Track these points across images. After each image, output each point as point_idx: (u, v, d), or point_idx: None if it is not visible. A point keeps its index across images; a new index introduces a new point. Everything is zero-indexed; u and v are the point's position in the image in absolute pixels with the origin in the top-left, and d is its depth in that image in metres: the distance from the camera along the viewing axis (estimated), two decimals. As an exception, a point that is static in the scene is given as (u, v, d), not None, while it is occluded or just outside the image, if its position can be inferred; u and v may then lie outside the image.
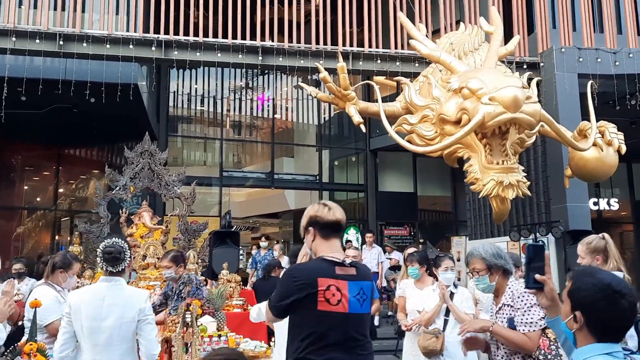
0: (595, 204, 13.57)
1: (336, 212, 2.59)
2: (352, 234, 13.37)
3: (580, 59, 8.95)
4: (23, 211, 13.59)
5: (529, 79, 6.55)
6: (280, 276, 2.71)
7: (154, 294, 5.51)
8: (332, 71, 7.63)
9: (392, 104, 7.54)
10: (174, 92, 14.82)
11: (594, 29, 9.48)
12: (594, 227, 8.75)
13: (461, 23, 8.40)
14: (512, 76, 5.95)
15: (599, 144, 6.78)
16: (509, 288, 3.05)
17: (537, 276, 2.01)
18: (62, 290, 4.14)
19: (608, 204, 13.79)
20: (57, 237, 13.77)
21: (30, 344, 3.29)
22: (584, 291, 1.74)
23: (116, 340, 2.89)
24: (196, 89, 15.40)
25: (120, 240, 3.05)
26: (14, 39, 7.96)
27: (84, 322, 2.86)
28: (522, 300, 2.95)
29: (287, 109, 16.49)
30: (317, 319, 2.38)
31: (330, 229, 2.57)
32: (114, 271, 2.97)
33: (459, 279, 8.86)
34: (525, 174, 5.93)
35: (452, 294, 4.52)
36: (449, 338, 4.30)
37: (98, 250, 3.02)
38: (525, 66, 9.11)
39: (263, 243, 9.68)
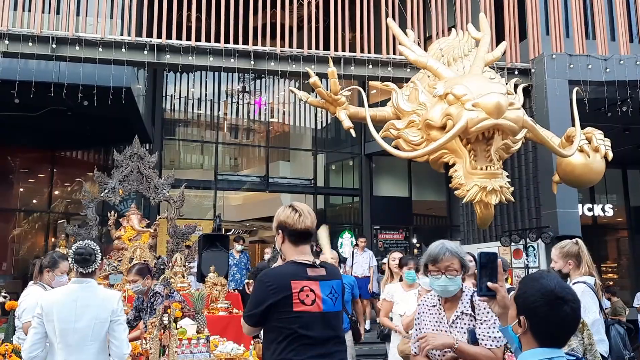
0: (590, 209, 13.58)
1: (306, 220, 2.60)
2: (346, 238, 13.41)
3: (571, 66, 8.98)
4: (19, 213, 13.64)
5: (516, 85, 6.61)
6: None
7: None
8: (324, 76, 7.67)
9: (383, 109, 7.58)
10: (171, 95, 14.88)
11: (586, 35, 9.52)
12: (589, 233, 8.80)
13: (453, 29, 8.47)
14: (497, 82, 6.02)
15: (586, 150, 6.83)
16: (466, 294, 2.80)
17: (490, 284, 2.04)
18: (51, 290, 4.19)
19: (603, 210, 13.79)
20: (52, 239, 13.81)
21: (6, 345, 3.33)
22: (528, 296, 1.77)
23: (89, 341, 2.94)
24: (192, 92, 15.45)
25: (92, 242, 3.09)
26: (6, 42, 8.02)
27: (56, 324, 2.90)
28: (488, 312, 2.68)
29: (283, 112, 16.54)
30: (294, 320, 2.43)
31: (298, 237, 2.59)
32: (84, 272, 3.01)
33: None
34: (509, 180, 5.98)
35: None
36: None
37: (70, 251, 3.06)
38: (516, 72, 9.14)
39: (238, 246, 9.60)
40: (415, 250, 13.92)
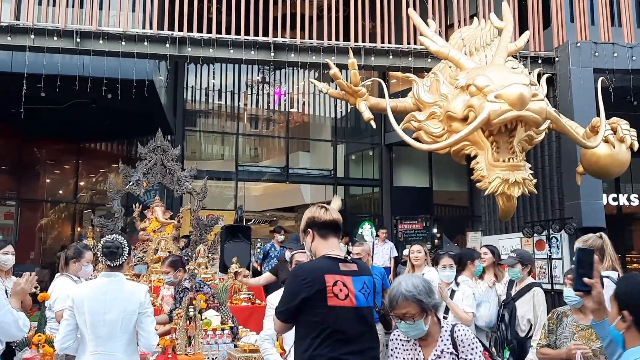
0: (615, 199, 13.36)
1: (333, 213, 2.70)
2: (366, 229, 13.39)
3: (597, 54, 8.81)
4: (46, 204, 13.95)
5: (540, 75, 6.51)
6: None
7: (164, 288, 5.64)
8: (345, 67, 7.65)
9: (404, 100, 7.54)
10: (191, 87, 14.99)
11: (611, 22, 9.32)
12: (614, 223, 8.68)
13: (474, 18, 8.35)
14: (520, 73, 5.93)
15: (611, 141, 6.71)
16: (445, 330, 2.52)
17: (586, 279, 2.08)
18: (78, 280, 4.31)
19: (628, 199, 13.55)
20: (78, 229, 14.11)
21: (39, 335, 3.45)
22: (630, 292, 1.84)
23: (118, 332, 3.03)
24: (213, 83, 15.54)
25: (119, 236, 3.17)
26: (32, 36, 8.16)
27: (86, 316, 3.00)
28: (472, 349, 2.46)
29: (302, 103, 16.54)
30: (327, 315, 2.45)
31: (328, 229, 2.67)
32: (112, 265, 3.10)
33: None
34: (532, 172, 5.91)
35: (453, 292, 4.55)
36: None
37: (99, 245, 3.15)
38: (540, 61, 9.00)
39: (280, 237, 9.53)
40: (436, 241, 13.88)
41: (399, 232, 13.49)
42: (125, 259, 3.13)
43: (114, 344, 3.00)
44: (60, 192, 14.40)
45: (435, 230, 14.40)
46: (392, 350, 2.61)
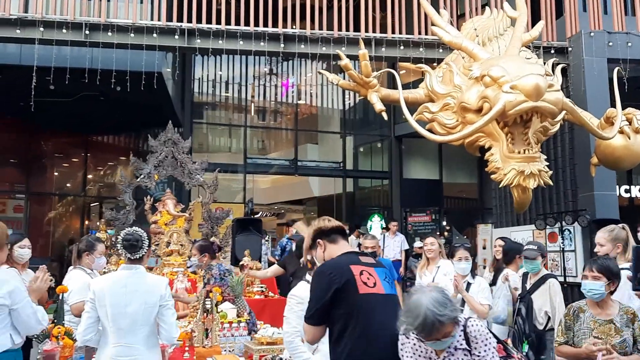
0: (627, 191, 13.25)
1: (336, 222, 2.80)
2: (375, 221, 13.37)
3: (610, 44, 8.69)
4: (54, 197, 13.98)
5: (555, 65, 6.43)
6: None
7: (177, 281, 5.64)
8: (355, 57, 7.58)
9: (415, 90, 7.48)
10: (199, 78, 14.94)
11: (625, 11, 9.19)
12: (626, 215, 8.58)
13: (486, 7, 8.25)
14: (535, 64, 5.86)
15: (627, 132, 6.63)
16: (458, 325, 2.38)
17: None
18: (92, 272, 4.32)
19: (640, 191, 13.44)
20: (86, 222, 14.14)
21: (59, 327, 3.45)
22: None
23: (139, 325, 3.03)
24: (220, 75, 15.48)
25: (139, 229, 3.16)
26: (42, 29, 8.12)
27: (108, 309, 3.00)
28: (486, 344, 2.37)
29: (311, 95, 16.47)
30: (360, 303, 2.45)
31: (336, 233, 2.73)
32: (132, 258, 3.09)
33: (484, 267, 8.82)
34: (547, 164, 5.85)
35: (468, 285, 4.51)
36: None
37: (119, 237, 3.14)
38: (552, 51, 8.88)
39: (294, 230, 9.41)
40: (445, 233, 13.82)
41: (408, 224, 13.45)
42: (145, 252, 3.12)
43: (135, 336, 2.99)
44: (69, 185, 14.44)
45: (444, 223, 14.36)
46: (402, 346, 2.45)
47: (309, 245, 2.72)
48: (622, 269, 3.71)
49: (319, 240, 2.69)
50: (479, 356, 2.33)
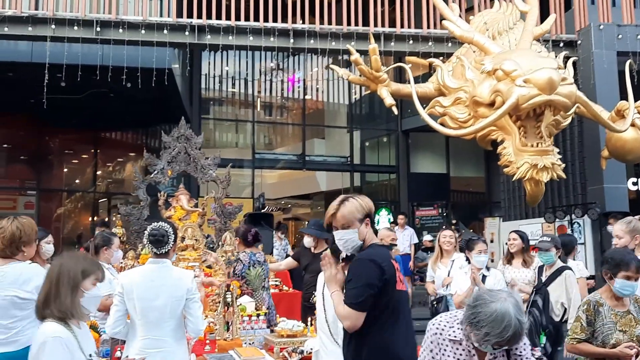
0: (635, 184, 13.23)
1: None
2: (383, 215, 13.41)
3: (620, 36, 8.70)
4: (63, 193, 14.07)
5: (566, 59, 6.45)
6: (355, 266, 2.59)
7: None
8: (364, 52, 7.62)
9: (425, 85, 7.51)
10: (205, 74, 14.97)
11: (634, 4, 9.19)
12: (634, 207, 8.61)
13: (495, 1, 8.27)
14: (547, 57, 5.89)
15: (638, 124, 6.66)
16: None
17: None
18: (109, 268, 4.37)
19: (647, 184, 13.42)
20: (95, 218, 14.23)
21: (83, 321, 3.51)
22: None
23: (167, 318, 3.07)
24: (227, 70, 15.50)
25: (165, 223, 3.21)
26: (53, 26, 8.18)
27: (136, 302, 3.05)
28: (524, 343, 2.25)
29: (317, 89, 16.48)
30: (396, 299, 2.53)
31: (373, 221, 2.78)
32: (159, 253, 3.14)
33: (492, 260, 8.86)
34: (560, 156, 5.89)
35: (484, 277, 4.56)
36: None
37: (145, 232, 3.19)
38: (561, 44, 8.90)
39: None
40: (453, 227, 13.85)
41: (415, 218, 13.49)
42: (171, 247, 3.17)
43: (162, 329, 3.05)
44: (78, 181, 14.53)
45: (453, 220, 14.36)
46: (439, 348, 2.26)
47: (358, 218, 2.58)
48: None
49: (368, 218, 2.65)
50: (520, 355, 2.23)
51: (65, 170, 14.21)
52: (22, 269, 3.05)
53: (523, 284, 4.85)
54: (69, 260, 2.42)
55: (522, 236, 5.35)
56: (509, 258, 5.20)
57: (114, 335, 3.16)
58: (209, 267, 6.22)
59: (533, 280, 5.02)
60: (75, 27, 8.22)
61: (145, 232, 3.16)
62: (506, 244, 5.44)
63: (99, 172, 14.20)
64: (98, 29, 8.31)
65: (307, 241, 5.71)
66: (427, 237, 10.72)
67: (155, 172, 6.79)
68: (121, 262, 5.70)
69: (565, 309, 4.45)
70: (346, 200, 2.67)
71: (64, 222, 14.10)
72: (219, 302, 4.15)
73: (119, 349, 3.51)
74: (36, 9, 8.45)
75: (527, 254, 5.24)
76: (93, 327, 3.50)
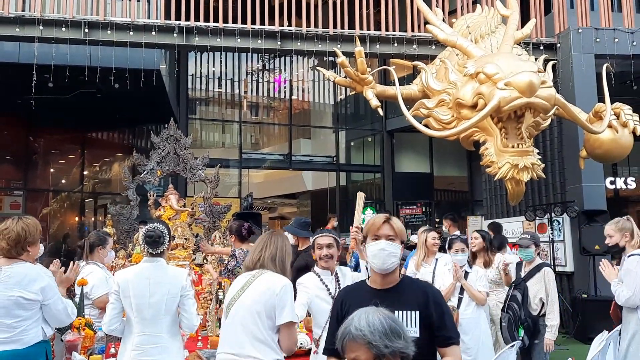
0: (612, 182, 13.58)
1: None
2: (368, 215, 13.59)
3: (598, 40, 8.95)
4: (49, 193, 14.02)
5: (545, 62, 6.65)
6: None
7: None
8: (350, 54, 7.77)
9: (409, 87, 7.68)
10: (192, 74, 15.02)
11: (612, 8, 9.45)
12: (611, 206, 8.88)
13: (478, 5, 8.46)
14: (528, 61, 6.07)
15: (614, 126, 6.88)
16: None
17: None
18: (103, 267, 4.42)
19: (625, 182, 13.77)
20: (82, 218, 14.21)
21: (79, 319, 3.60)
22: None
23: (162, 314, 3.17)
24: (214, 71, 15.58)
25: (160, 225, 3.31)
26: (41, 27, 8.20)
27: (132, 299, 3.15)
28: None
29: (303, 90, 16.62)
30: None
31: None
32: (154, 253, 3.24)
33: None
34: (540, 157, 6.09)
35: (466, 273, 4.73)
36: (463, 315, 4.52)
37: (140, 233, 3.29)
38: (541, 47, 9.13)
39: (335, 222, 9.49)
40: (436, 226, 14.08)
41: (400, 217, 13.69)
42: (166, 247, 3.28)
43: (158, 326, 3.15)
44: (64, 181, 14.49)
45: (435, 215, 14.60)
46: None
47: (402, 238, 2.47)
48: (631, 255, 4.04)
49: (403, 244, 2.61)
50: None
51: (52, 170, 14.18)
52: (27, 270, 3.08)
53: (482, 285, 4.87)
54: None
55: (484, 235, 5.46)
56: (473, 257, 5.27)
57: (110, 333, 3.25)
58: (199, 265, 6.35)
59: (497, 279, 5.22)
60: (63, 28, 8.25)
61: (140, 232, 3.27)
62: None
63: (85, 172, 14.18)
64: (86, 30, 8.35)
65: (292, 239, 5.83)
66: (413, 238, 10.87)
67: (145, 172, 6.89)
68: (112, 262, 5.78)
69: (543, 304, 4.64)
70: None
71: (50, 222, 14.05)
72: (211, 300, 4.27)
73: (112, 346, 3.62)
74: (23, 10, 8.46)
75: (488, 253, 5.34)
76: (88, 325, 3.60)
